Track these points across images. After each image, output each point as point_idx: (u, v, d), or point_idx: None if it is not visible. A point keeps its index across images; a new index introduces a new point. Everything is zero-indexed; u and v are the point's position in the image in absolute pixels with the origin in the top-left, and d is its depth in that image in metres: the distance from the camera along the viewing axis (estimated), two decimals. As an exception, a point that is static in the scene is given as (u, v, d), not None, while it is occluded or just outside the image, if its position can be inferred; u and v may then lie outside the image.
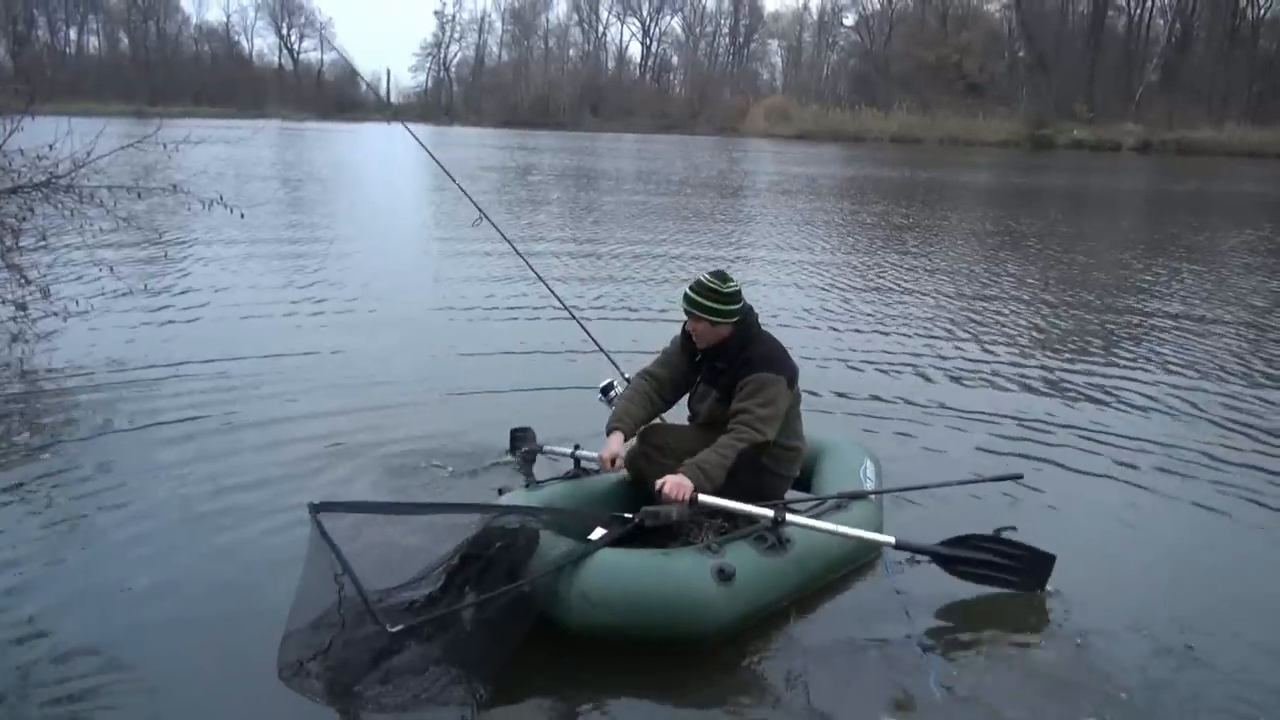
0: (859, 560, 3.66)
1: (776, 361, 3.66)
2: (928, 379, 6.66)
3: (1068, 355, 7.44)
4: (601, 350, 4.87)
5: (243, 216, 8.35)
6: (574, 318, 5.29)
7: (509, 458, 4.44)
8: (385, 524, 3.05)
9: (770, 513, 3.31)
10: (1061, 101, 61.71)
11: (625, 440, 3.68)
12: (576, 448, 3.90)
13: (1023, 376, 6.73)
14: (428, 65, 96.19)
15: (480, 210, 5.29)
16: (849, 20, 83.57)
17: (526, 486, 3.71)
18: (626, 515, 3.30)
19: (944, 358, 7.22)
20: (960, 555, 3.47)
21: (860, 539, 3.46)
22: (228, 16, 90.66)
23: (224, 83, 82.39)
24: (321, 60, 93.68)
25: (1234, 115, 56.18)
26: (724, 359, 3.68)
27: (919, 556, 3.57)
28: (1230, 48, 62.30)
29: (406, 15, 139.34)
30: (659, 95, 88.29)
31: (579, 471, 3.84)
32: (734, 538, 3.28)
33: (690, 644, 3.07)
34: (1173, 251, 13.97)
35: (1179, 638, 3.32)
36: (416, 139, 6.25)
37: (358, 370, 6.29)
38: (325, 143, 42.69)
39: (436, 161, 6.13)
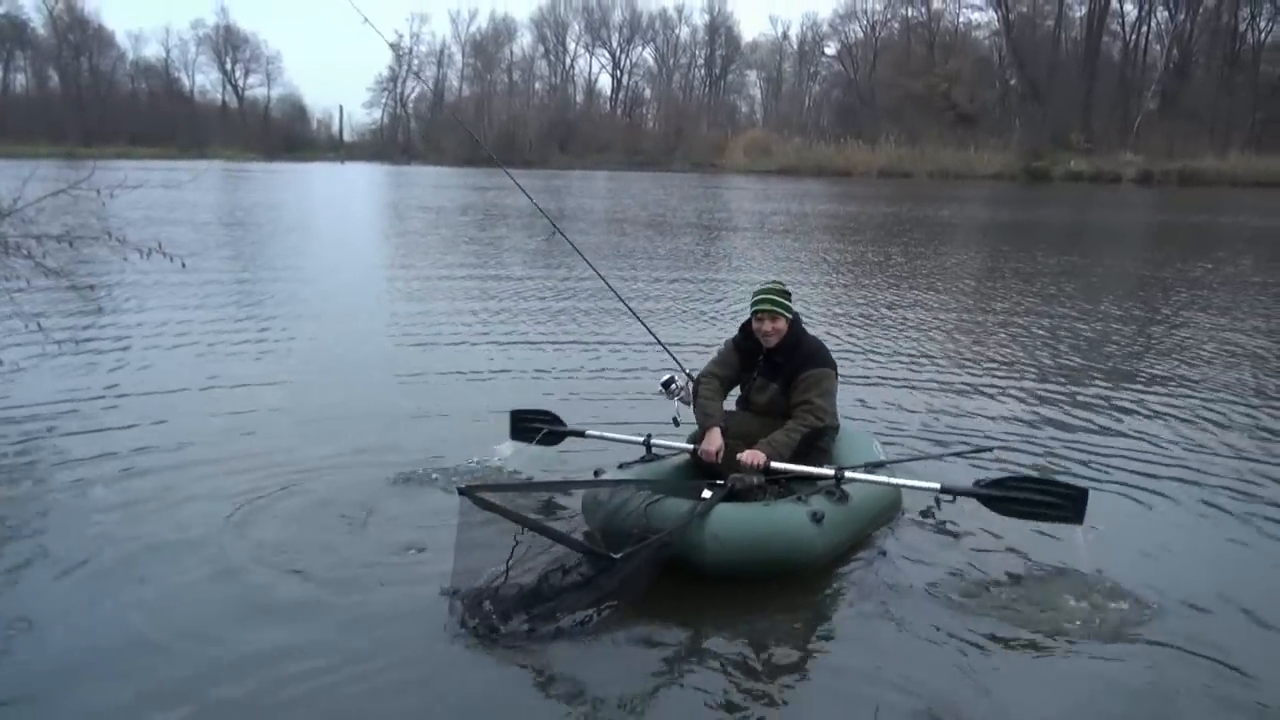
0: (900, 508, 4.85)
1: (825, 356, 4.75)
2: (925, 417, 6.68)
3: (1060, 392, 7.47)
4: (664, 348, 5.79)
5: (184, 265, 8.26)
6: (634, 314, 6.20)
7: (508, 446, 5.31)
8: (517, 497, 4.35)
9: (832, 472, 4.42)
10: (1057, 132, 63.10)
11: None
12: (649, 436, 4.94)
13: (1007, 402, 6.75)
14: (384, 101, 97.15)
15: (555, 227, 5.68)
16: (831, 50, 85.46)
17: (619, 467, 4.67)
18: (719, 481, 4.32)
19: (938, 403, 7.24)
20: (1001, 495, 4.23)
21: (910, 487, 4.59)
22: (167, 52, 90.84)
23: (163, 122, 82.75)
24: (268, 97, 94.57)
25: (1237, 143, 57.69)
26: (781, 354, 4.72)
27: (960, 498, 4.43)
28: (1231, 74, 64.16)
29: (361, 49, 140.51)
30: (631, 130, 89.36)
31: (650, 456, 4.86)
32: (810, 493, 4.31)
33: (794, 572, 4.08)
34: (1181, 289, 14.17)
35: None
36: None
37: (307, 415, 6.22)
38: (273, 184, 42.73)
39: (525, 194, 6.12)
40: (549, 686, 3.37)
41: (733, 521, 4.04)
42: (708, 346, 7.50)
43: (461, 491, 3.67)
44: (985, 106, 71.33)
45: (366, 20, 6.75)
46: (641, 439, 4.97)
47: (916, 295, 12.91)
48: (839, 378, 4.84)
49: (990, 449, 5.82)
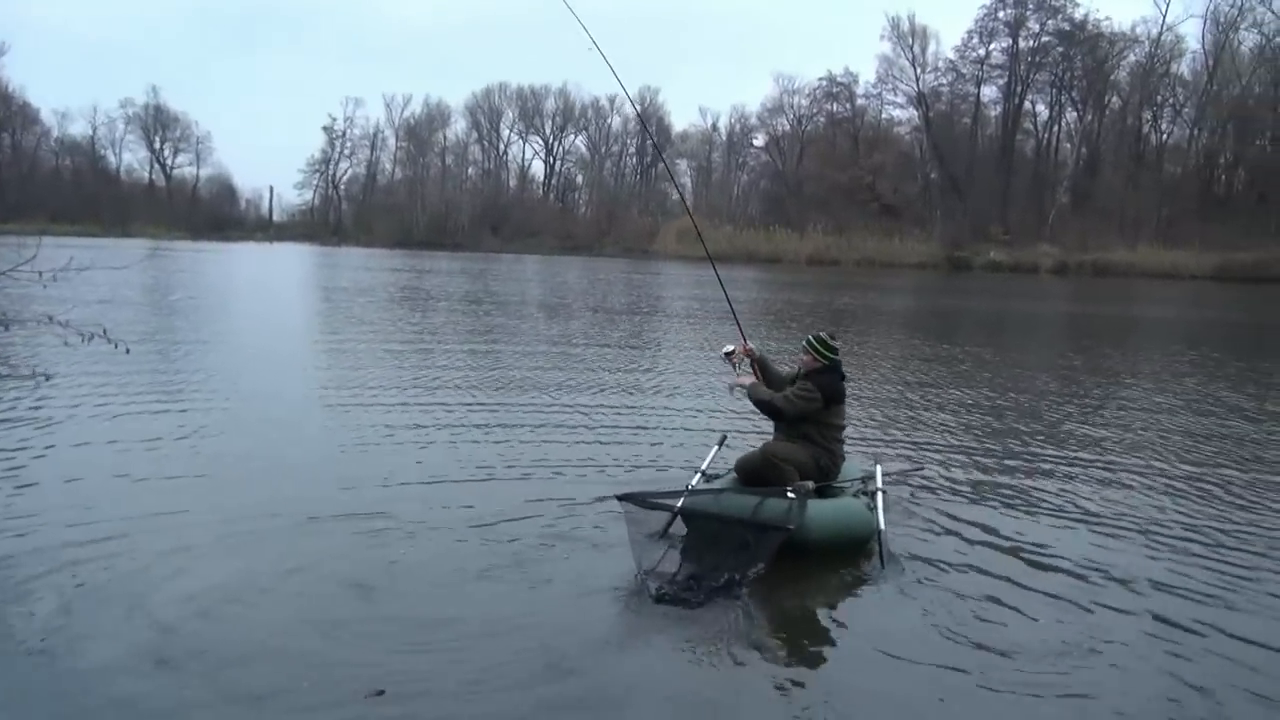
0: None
1: (823, 382, 6.18)
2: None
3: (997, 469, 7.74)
4: (736, 320, 7.36)
5: (128, 351, 8.07)
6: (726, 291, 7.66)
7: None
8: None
9: (861, 481, 6.31)
10: (977, 223, 65.67)
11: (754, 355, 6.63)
12: (701, 471, 6.42)
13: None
14: (315, 182, 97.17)
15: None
16: (759, 141, 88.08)
17: (706, 480, 6.27)
18: (798, 485, 5.72)
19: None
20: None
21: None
22: (94, 129, 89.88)
23: (86, 199, 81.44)
24: (197, 176, 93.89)
25: (1146, 237, 60.60)
26: (808, 378, 6.23)
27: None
28: (1136, 171, 67.62)
29: (293, 131, 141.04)
30: (563, 215, 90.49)
31: (707, 482, 6.23)
32: (851, 492, 6.12)
33: (864, 543, 5.74)
34: (1094, 375, 14.76)
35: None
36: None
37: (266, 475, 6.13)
38: (201, 263, 42.21)
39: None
40: (724, 641, 4.61)
41: (826, 513, 5.63)
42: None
43: (619, 498, 5.57)
44: (908, 198, 74.03)
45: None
46: (695, 480, 6.27)
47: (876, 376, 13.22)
48: (836, 408, 6.27)
49: (920, 468, 7.89)
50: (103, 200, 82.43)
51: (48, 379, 10.11)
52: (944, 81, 77.36)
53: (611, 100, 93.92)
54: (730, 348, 6.61)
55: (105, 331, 6.84)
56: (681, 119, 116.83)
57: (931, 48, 76.98)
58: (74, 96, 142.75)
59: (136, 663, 4.20)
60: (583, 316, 21.05)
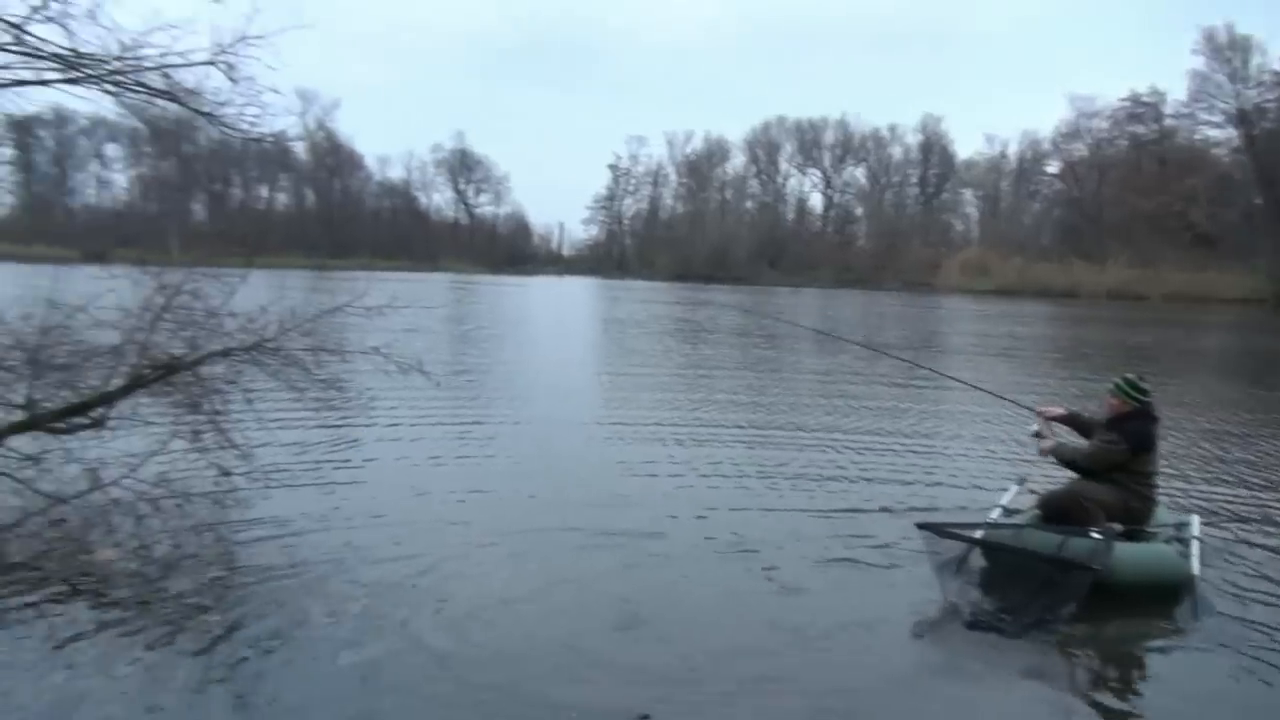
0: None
1: (1126, 429, 5.97)
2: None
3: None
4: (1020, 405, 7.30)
5: (438, 384, 8.90)
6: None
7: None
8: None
9: (1175, 528, 6.03)
10: (1313, 254, 58.30)
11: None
12: (1001, 506, 6.38)
13: None
14: (601, 218, 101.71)
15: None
16: (1052, 167, 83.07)
17: (1006, 514, 6.24)
18: (1105, 527, 5.58)
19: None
20: None
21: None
22: (408, 173, 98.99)
23: (400, 237, 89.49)
24: (496, 214, 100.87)
25: None
26: (1113, 423, 6.07)
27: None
28: None
29: (581, 170, 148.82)
30: (842, 248, 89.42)
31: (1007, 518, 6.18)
32: (1162, 538, 5.85)
33: (1175, 593, 5.42)
34: None
35: None
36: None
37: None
38: (498, 296, 45.18)
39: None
40: (1041, 679, 4.61)
41: (1136, 555, 5.51)
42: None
43: (918, 525, 5.65)
44: (1226, 227, 66.92)
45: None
46: (996, 515, 6.27)
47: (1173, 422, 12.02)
48: (1145, 456, 6.02)
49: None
50: (414, 238, 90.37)
51: (365, 404, 11.14)
52: (1270, 97, 69.39)
53: (892, 129, 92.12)
54: (1034, 427, 6.58)
55: (420, 364, 7.50)
56: (966, 146, 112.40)
57: (1255, 60, 69.24)
58: (393, 143, 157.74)
59: (420, 661, 4.57)
60: (853, 350, 20.68)
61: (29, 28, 5.66)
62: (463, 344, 22.03)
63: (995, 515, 6.24)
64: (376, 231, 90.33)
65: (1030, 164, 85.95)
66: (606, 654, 4.69)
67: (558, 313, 36.98)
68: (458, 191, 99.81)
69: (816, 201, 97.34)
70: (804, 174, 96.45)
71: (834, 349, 22.68)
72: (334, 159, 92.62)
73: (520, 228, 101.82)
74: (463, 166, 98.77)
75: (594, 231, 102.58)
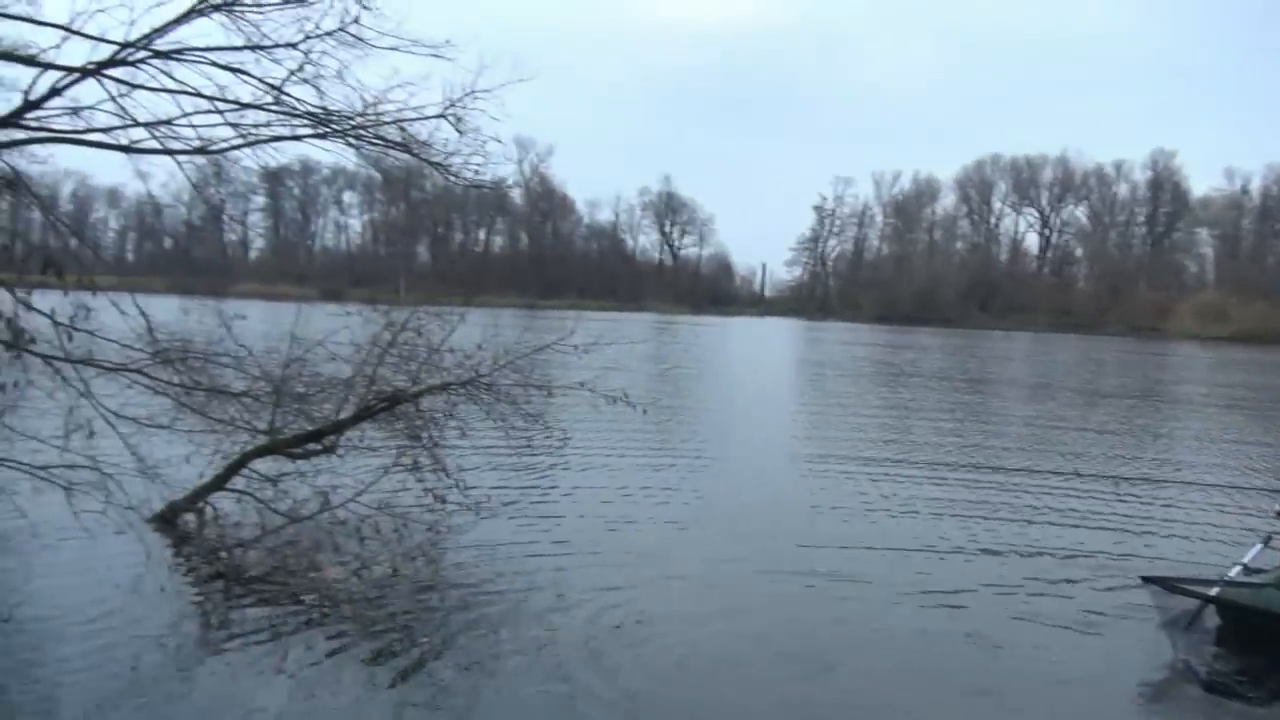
0: None
1: None
2: None
3: None
4: None
5: (644, 413, 9.18)
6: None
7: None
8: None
9: None
10: None
11: None
12: (1242, 564, 5.98)
13: None
14: (804, 259, 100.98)
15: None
16: (1303, 204, 76.06)
17: (1247, 572, 5.84)
18: None
19: None
20: None
21: None
22: (616, 216, 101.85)
23: (607, 277, 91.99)
24: (699, 256, 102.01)
25: None
26: None
27: None
28: None
29: (786, 211, 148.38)
30: (1060, 290, 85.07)
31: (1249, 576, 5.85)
32: None
33: None
34: None
35: None
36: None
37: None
38: (699, 335, 45.58)
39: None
40: None
41: None
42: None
43: (1144, 579, 5.43)
44: None
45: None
46: (1263, 539, 6.12)
47: None
48: None
49: None
50: (620, 278, 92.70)
51: (566, 438, 11.56)
52: None
53: (1118, 166, 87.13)
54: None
55: (625, 395, 7.72)
56: (1201, 183, 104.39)
57: None
58: (602, 187, 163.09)
59: (613, 697, 4.67)
60: (1063, 397, 19.58)
61: (287, 88, 6.23)
62: (661, 381, 22.35)
63: (1234, 573, 5.84)
64: (584, 272, 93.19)
65: (1277, 200, 79.11)
66: (793, 700, 4.62)
67: (756, 352, 36.95)
68: (663, 233, 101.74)
69: (1032, 242, 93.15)
70: (1019, 213, 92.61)
71: (1044, 395, 21.59)
72: (547, 203, 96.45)
73: (723, 268, 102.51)
74: (668, 209, 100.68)
75: (797, 272, 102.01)
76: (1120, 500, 9.58)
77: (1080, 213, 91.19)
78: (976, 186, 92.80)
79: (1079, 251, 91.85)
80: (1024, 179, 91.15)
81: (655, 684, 4.82)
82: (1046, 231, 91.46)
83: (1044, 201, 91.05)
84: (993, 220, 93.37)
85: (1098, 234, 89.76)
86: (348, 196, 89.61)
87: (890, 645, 5.33)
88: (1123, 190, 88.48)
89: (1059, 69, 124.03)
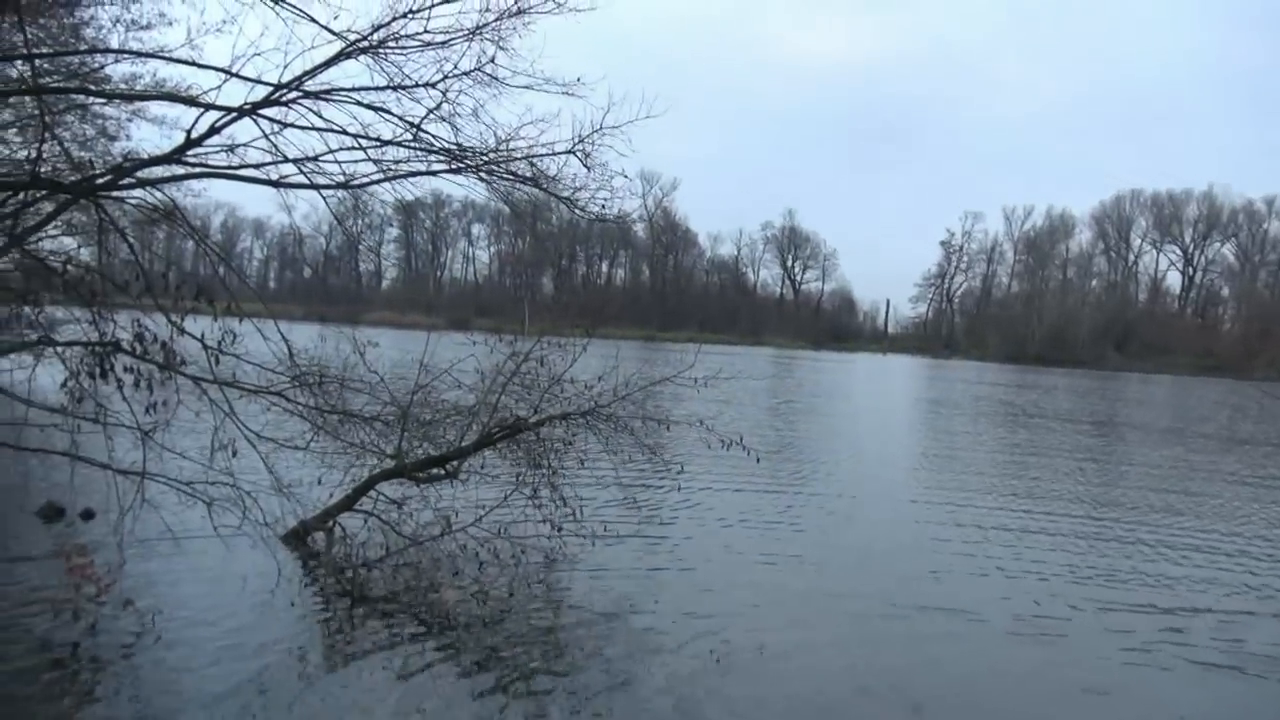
0: None
1: None
2: None
3: None
4: None
5: (758, 461, 9.19)
6: None
7: None
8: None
9: None
10: None
11: None
12: None
13: None
14: (929, 296, 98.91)
15: None
16: None
17: None
18: None
19: None
20: None
21: None
22: (738, 250, 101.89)
23: (727, 311, 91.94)
24: (821, 290, 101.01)
25: None
26: None
27: None
28: None
29: (912, 246, 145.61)
30: (1203, 331, 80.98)
31: None
32: None
33: None
34: None
35: None
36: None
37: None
38: (819, 371, 45.07)
39: None
40: None
41: None
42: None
43: None
44: None
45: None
46: None
47: None
48: None
49: None
50: (740, 312, 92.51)
51: (681, 470, 11.58)
52: None
53: (1269, 202, 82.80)
54: None
55: (741, 439, 7.67)
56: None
57: None
58: (726, 222, 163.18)
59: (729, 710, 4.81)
60: (1193, 443, 18.63)
61: (425, 126, 6.49)
62: (778, 416, 22.18)
63: None
64: (705, 305, 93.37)
65: None
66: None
67: (877, 390, 36.33)
68: (785, 267, 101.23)
69: (1173, 280, 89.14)
70: (1160, 250, 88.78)
71: (1173, 439, 20.59)
72: (670, 236, 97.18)
73: (845, 303, 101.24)
74: (790, 243, 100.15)
75: (921, 309, 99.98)
76: (1250, 554, 9.19)
77: (1227, 250, 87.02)
78: (1115, 222, 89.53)
79: (1225, 291, 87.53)
80: (1166, 215, 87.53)
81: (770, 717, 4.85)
82: (1190, 270, 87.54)
83: (1188, 239, 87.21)
84: (1131, 258, 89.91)
85: (1246, 273, 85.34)
86: (476, 229, 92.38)
87: (991, 690, 5.38)
88: (1274, 227, 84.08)
89: (1202, 100, 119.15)
